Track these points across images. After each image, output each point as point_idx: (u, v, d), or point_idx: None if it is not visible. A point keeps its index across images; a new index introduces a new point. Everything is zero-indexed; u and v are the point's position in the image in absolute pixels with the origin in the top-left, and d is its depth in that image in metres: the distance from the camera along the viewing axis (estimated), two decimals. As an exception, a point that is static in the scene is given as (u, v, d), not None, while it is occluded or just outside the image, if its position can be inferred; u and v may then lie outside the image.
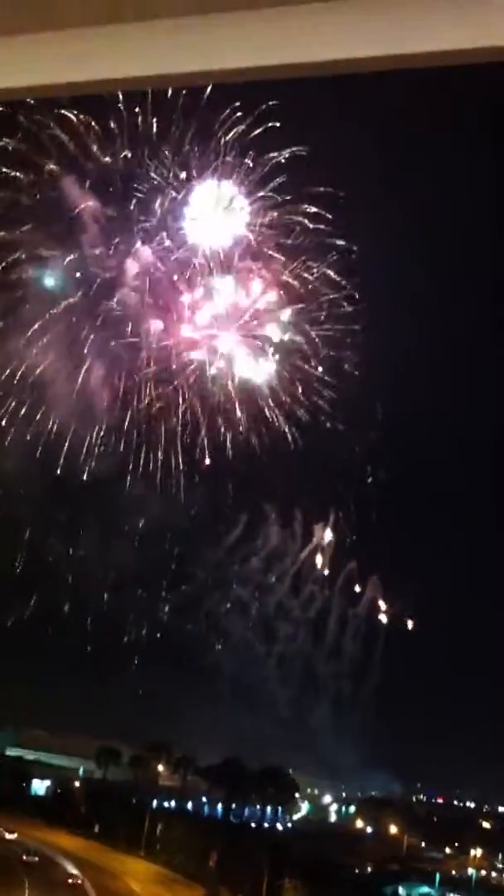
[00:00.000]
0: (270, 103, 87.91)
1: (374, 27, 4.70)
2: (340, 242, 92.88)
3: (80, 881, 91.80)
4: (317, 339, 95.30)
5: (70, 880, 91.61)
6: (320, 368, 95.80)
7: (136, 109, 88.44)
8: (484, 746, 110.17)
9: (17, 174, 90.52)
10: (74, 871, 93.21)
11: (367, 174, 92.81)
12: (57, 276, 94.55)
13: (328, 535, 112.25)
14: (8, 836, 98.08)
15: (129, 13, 5.06)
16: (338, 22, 4.83)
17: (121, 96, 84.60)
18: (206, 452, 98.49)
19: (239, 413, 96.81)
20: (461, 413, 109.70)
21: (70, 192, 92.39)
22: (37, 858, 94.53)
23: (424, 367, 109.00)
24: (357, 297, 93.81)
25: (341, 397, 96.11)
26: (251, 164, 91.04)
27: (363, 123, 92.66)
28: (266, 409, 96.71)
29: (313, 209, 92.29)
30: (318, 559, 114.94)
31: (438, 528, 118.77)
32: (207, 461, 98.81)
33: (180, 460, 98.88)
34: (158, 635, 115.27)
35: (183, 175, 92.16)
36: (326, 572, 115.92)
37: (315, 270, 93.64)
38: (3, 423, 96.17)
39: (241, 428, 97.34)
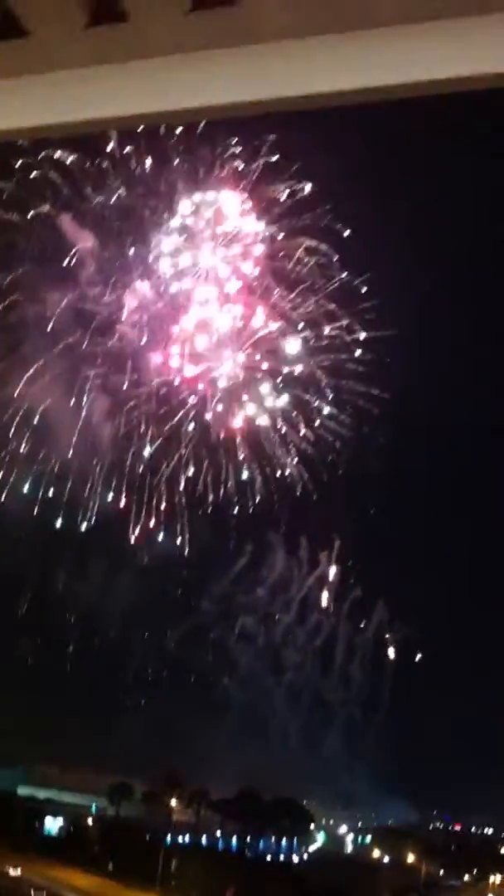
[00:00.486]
0: (268, 137, 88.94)
1: (369, 59, 4.65)
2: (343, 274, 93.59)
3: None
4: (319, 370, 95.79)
5: None
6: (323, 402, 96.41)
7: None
8: (500, 772, 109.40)
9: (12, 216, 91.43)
10: None
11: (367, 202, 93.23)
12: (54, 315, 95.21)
13: (333, 566, 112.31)
14: (13, 872, 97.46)
15: (119, 54, 5.02)
16: (334, 55, 4.78)
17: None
18: (209, 487, 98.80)
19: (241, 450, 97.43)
20: (466, 439, 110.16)
21: (66, 230, 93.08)
22: (45, 893, 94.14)
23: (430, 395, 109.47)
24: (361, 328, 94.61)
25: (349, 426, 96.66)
26: (252, 197, 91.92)
27: (369, 152, 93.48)
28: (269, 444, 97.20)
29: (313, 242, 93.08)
30: (325, 589, 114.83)
31: (447, 553, 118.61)
32: (211, 496, 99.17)
33: (182, 498, 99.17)
34: (168, 670, 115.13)
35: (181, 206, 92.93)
36: (333, 601, 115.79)
37: (316, 301, 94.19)
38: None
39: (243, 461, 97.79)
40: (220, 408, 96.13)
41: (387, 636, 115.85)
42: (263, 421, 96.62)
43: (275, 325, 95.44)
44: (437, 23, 4.51)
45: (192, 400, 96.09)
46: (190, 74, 5.11)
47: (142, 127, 71.67)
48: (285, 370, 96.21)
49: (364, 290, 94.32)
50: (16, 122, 5.45)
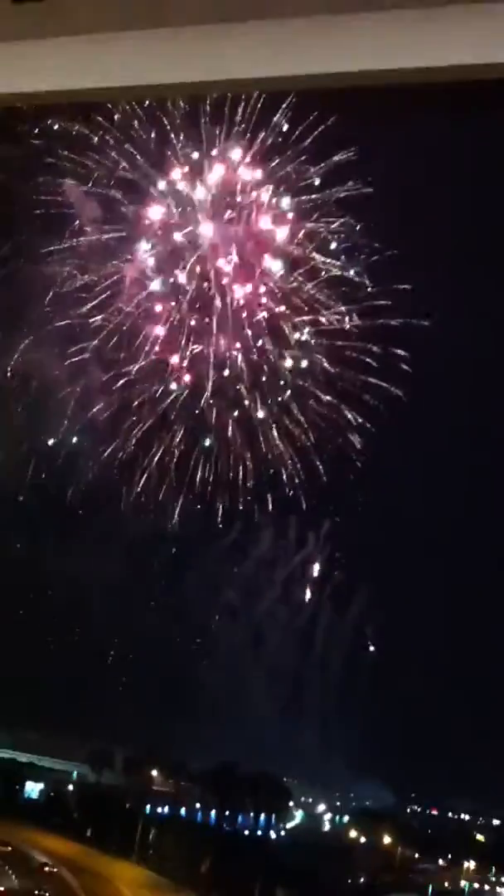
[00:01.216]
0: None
1: (377, 41, 4.69)
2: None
3: (55, 869, 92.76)
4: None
5: (46, 868, 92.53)
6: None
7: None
8: (479, 758, 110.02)
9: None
10: (44, 860, 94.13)
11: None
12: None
13: (317, 554, 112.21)
14: None
15: (141, 20, 5.05)
16: (344, 34, 4.82)
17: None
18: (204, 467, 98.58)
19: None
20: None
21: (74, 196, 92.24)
22: (9, 848, 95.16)
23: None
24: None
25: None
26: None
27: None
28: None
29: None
30: (308, 572, 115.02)
31: (434, 538, 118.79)
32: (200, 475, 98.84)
33: (172, 475, 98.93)
34: (153, 640, 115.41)
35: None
36: (316, 582, 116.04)
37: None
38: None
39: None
40: (214, 396, 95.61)
41: (367, 619, 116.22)
42: (261, 413, 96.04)
43: (279, 308, 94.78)
44: (438, 9, 4.57)
45: (186, 379, 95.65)
46: (200, 46, 5.14)
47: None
48: (288, 358, 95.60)
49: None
50: (29, 86, 5.49)
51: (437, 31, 4.58)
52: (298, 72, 4.93)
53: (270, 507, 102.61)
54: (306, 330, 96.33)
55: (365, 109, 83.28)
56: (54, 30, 5.10)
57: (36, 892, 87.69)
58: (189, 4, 4.91)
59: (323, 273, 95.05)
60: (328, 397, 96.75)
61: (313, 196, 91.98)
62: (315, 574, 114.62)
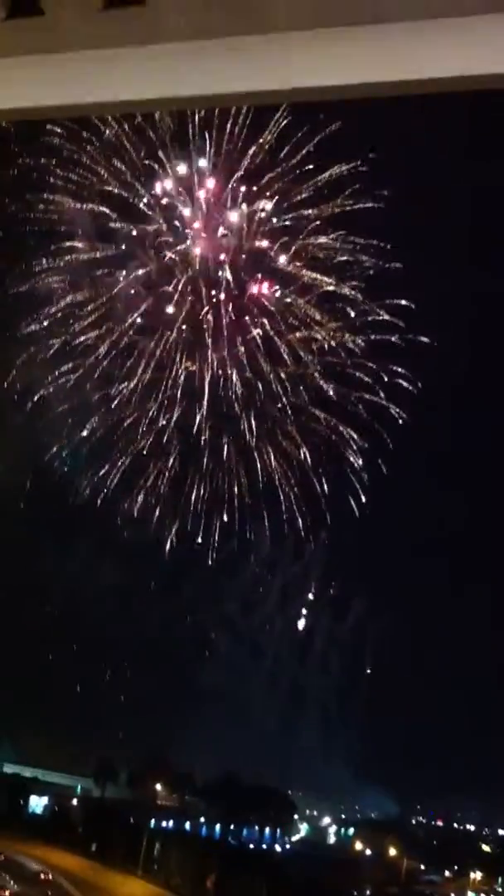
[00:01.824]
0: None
1: (374, 55, 4.74)
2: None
3: (50, 876, 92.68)
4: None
5: (42, 876, 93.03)
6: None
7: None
8: (484, 769, 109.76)
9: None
10: (40, 867, 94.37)
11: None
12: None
13: (316, 564, 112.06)
14: None
15: (142, 36, 5.09)
16: (340, 48, 4.87)
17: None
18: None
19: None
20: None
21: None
22: (2, 857, 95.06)
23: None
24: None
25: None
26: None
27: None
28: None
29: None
30: (310, 579, 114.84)
31: (441, 546, 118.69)
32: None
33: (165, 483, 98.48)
34: (157, 653, 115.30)
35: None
36: (317, 593, 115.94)
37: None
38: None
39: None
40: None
41: (369, 627, 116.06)
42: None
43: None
44: (440, 20, 4.60)
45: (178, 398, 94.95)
46: (200, 62, 5.17)
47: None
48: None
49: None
50: (26, 102, 5.50)
51: (422, 44, 4.65)
52: (291, 86, 4.99)
53: (266, 522, 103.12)
54: (300, 346, 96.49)
55: (354, 123, 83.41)
56: (46, 46, 5.14)
57: None
58: (183, 21, 4.95)
59: (316, 289, 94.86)
60: (323, 413, 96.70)
61: (305, 212, 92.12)
62: (318, 583, 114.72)
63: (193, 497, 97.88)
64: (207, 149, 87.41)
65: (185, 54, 5.06)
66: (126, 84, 5.26)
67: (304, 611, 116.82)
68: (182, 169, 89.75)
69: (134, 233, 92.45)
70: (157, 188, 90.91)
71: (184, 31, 5.04)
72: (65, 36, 5.14)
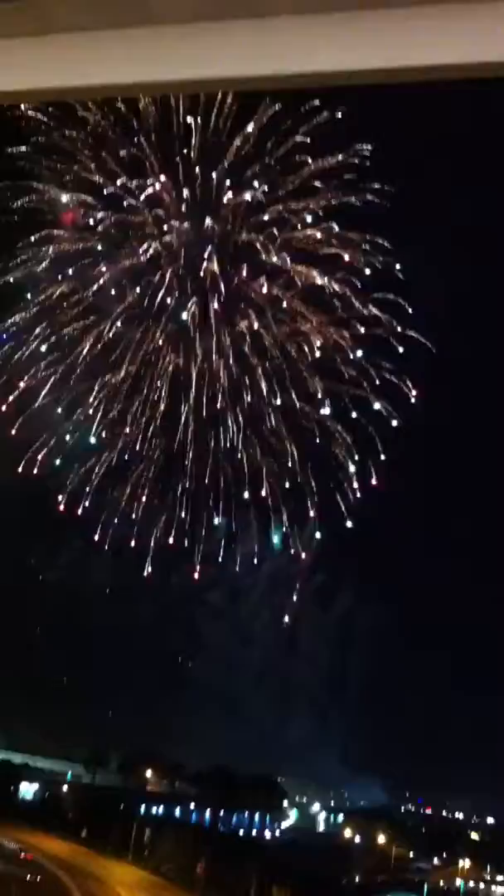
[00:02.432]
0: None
1: (373, 40, 4.61)
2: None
3: (31, 855, 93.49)
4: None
5: (23, 855, 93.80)
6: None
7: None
8: (473, 757, 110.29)
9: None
10: (16, 846, 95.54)
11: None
12: None
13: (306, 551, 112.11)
14: None
15: (131, 18, 4.95)
16: (336, 34, 4.74)
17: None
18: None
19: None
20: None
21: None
22: None
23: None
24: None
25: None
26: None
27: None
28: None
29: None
30: (297, 567, 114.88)
31: (434, 534, 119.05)
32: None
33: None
34: (148, 642, 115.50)
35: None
36: (305, 581, 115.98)
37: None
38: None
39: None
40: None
41: (359, 616, 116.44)
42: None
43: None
44: (448, 5, 4.48)
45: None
46: (195, 45, 5.04)
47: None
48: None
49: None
50: (22, 84, 5.36)
51: (423, 30, 4.52)
52: (285, 71, 4.85)
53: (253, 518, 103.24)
54: (288, 339, 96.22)
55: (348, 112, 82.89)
56: (31, 29, 5.00)
57: (28, 876, 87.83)
58: (172, 3, 4.82)
59: (304, 284, 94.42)
60: (316, 411, 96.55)
61: (293, 205, 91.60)
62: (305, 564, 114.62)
63: (179, 490, 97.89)
64: (193, 137, 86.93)
65: (176, 37, 4.94)
66: (114, 68, 5.13)
67: (293, 599, 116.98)
68: (166, 159, 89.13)
69: (116, 222, 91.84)
70: (141, 178, 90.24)
71: (175, 14, 4.93)
72: (51, 18, 5.01)
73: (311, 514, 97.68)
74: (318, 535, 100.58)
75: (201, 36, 4.91)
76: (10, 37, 4.99)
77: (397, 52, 4.64)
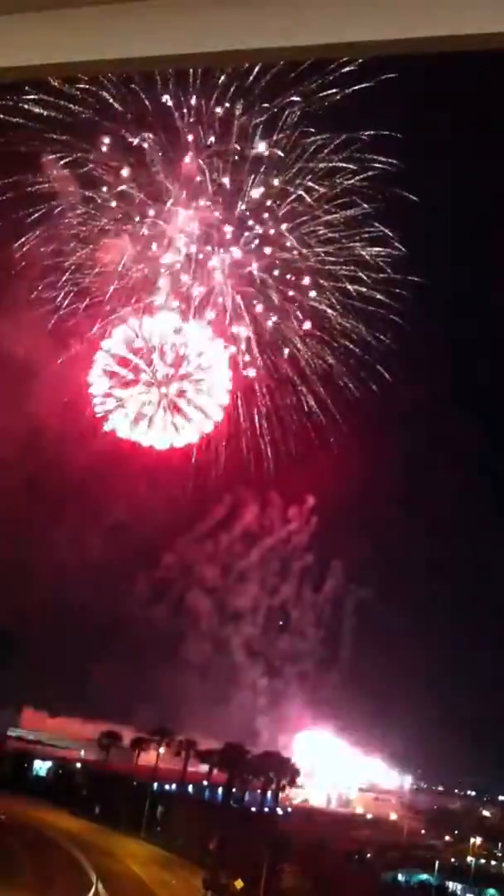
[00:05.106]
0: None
1: (377, 12, 4.61)
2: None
3: (3, 816, 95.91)
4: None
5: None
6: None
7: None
8: (485, 734, 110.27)
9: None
10: None
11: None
12: None
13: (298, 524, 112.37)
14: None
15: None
16: (342, 5, 4.74)
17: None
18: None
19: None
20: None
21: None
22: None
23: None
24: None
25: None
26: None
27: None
28: None
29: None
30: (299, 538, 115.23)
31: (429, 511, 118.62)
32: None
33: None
34: (158, 618, 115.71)
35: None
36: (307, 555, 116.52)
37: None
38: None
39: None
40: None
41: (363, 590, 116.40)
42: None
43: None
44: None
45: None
46: (203, 19, 5.04)
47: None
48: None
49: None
50: (31, 59, 5.36)
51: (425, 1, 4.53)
52: (293, 43, 4.86)
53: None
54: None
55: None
56: (45, 2, 5.01)
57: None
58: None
59: (299, 262, 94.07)
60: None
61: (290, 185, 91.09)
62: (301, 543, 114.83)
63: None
64: (189, 113, 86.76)
65: (189, 9, 4.95)
66: (127, 41, 5.13)
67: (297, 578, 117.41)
68: (168, 136, 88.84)
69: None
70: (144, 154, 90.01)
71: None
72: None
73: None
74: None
75: (213, 8, 4.91)
76: (24, 11, 5.02)
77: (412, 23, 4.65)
